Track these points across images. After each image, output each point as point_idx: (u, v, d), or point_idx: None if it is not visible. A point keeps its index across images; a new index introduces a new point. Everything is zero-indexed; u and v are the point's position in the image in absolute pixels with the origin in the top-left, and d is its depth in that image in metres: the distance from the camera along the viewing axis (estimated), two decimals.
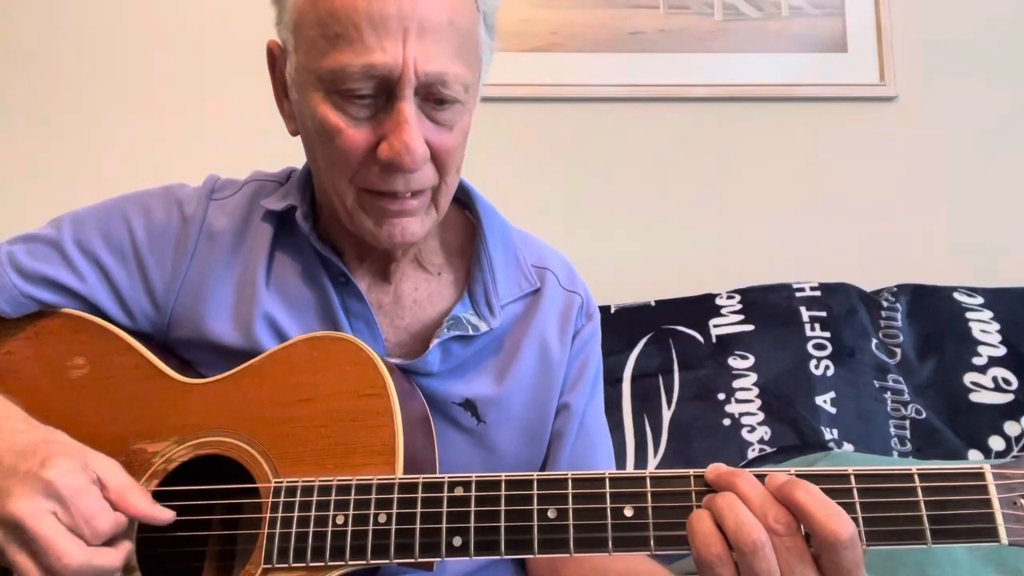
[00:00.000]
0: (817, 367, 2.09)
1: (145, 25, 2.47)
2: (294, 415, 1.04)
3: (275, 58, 1.15)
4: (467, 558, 0.93)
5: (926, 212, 2.47)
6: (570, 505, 0.92)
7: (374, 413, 1.02)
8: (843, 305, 2.19)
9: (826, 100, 2.51)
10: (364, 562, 0.94)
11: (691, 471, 0.91)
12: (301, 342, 1.10)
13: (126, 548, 0.98)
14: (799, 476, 0.88)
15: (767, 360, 2.10)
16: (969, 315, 2.16)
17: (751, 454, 1.98)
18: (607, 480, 0.92)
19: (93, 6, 2.47)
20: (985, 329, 2.14)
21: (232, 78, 2.35)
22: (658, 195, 2.48)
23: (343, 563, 0.94)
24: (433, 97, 1.03)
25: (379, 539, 0.94)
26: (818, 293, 2.20)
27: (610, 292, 2.16)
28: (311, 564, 0.95)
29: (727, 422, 2.03)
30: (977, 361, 2.10)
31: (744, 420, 2.03)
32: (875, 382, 2.09)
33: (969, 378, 2.08)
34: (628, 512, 0.90)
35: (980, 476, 0.87)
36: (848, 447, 1.98)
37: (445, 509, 0.94)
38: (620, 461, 1.98)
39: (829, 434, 1.99)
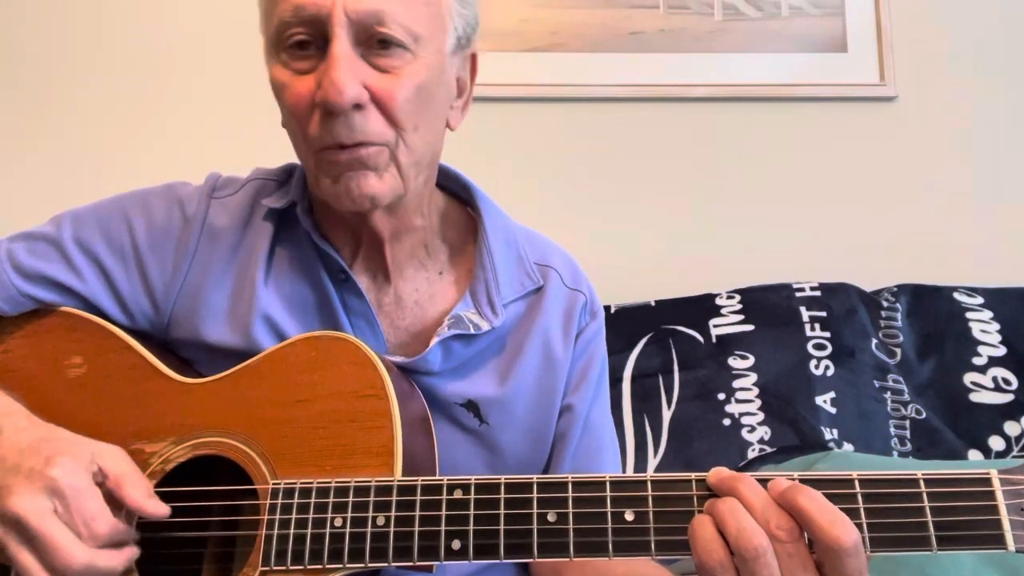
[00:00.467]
0: (817, 367, 2.09)
1: (146, 22, 2.47)
2: (292, 416, 1.04)
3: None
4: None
5: (926, 212, 2.47)
6: (570, 509, 0.91)
7: (373, 414, 1.01)
8: (843, 305, 2.18)
9: (826, 100, 2.51)
10: (362, 565, 0.93)
11: (692, 475, 0.90)
12: (300, 342, 1.09)
13: (130, 552, 0.97)
14: (803, 481, 0.87)
15: (767, 360, 2.10)
16: (969, 315, 2.16)
17: (751, 454, 1.98)
18: (607, 484, 0.91)
19: (94, 5, 2.47)
20: (985, 329, 2.13)
21: (235, 75, 2.34)
22: (658, 195, 2.47)
23: (341, 565, 0.94)
24: (373, 39, 1.03)
25: (377, 542, 0.93)
26: (818, 293, 2.20)
27: (610, 292, 2.15)
28: (309, 566, 0.94)
29: (727, 422, 2.02)
30: (977, 361, 2.09)
31: (744, 420, 2.02)
32: (875, 382, 2.09)
33: (969, 378, 2.08)
34: (629, 516, 0.90)
35: (987, 482, 0.86)
36: (848, 447, 1.98)
37: (444, 512, 0.93)
38: (622, 467, 1.98)
39: (829, 434, 1.99)
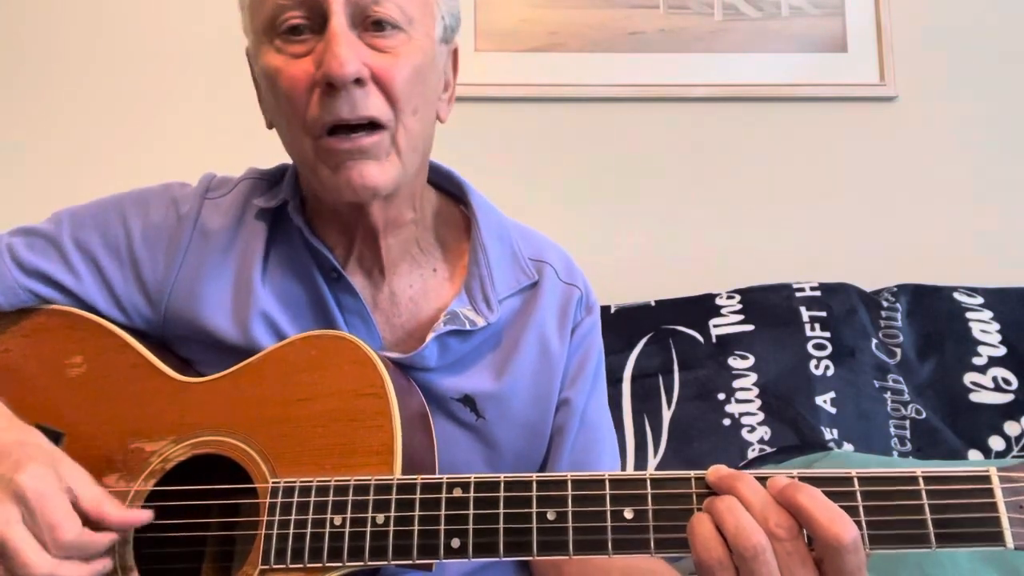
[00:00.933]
0: (817, 367, 2.09)
1: (145, 21, 2.47)
2: (292, 415, 1.04)
3: (249, 58, 1.16)
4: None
5: (926, 212, 2.47)
6: (569, 507, 0.91)
7: (373, 413, 1.01)
8: (843, 305, 2.18)
9: (826, 100, 2.51)
10: (362, 563, 0.93)
11: (692, 473, 0.90)
12: (299, 340, 1.09)
13: (100, 564, 0.96)
14: (802, 479, 0.87)
15: (767, 360, 2.10)
16: (969, 315, 2.16)
17: (751, 454, 1.98)
18: (607, 482, 0.91)
19: (91, 5, 2.47)
20: (985, 329, 2.13)
21: (234, 75, 2.34)
22: (658, 195, 2.47)
23: (341, 564, 0.94)
24: (370, 19, 1.04)
25: (377, 540, 0.93)
26: (818, 293, 2.20)
27: (610, 292, 2.16)
28: (308, 565, 0.94)
29: (727, 422, 2.02)
30: (977, 361, 2.09)
31: (744, 420, 2.02)
32: (875, 382, 2.09)
33: (969, 378, 2.08)
34: (628, 514, 0.90)
35: (986, 479, 0.86)
36: (848, 447, 1.98)
37: (443, 511, 0.93)
38: (620, 461, 1.98)
39: (829, 434, 1.99)
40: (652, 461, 2.00)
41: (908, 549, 0.86)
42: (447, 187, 1.30)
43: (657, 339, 2.15)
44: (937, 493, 0.86)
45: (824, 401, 2.04)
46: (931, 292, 2.22)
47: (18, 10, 2.46)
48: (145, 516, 1.00)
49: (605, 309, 2.16)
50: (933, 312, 2.19)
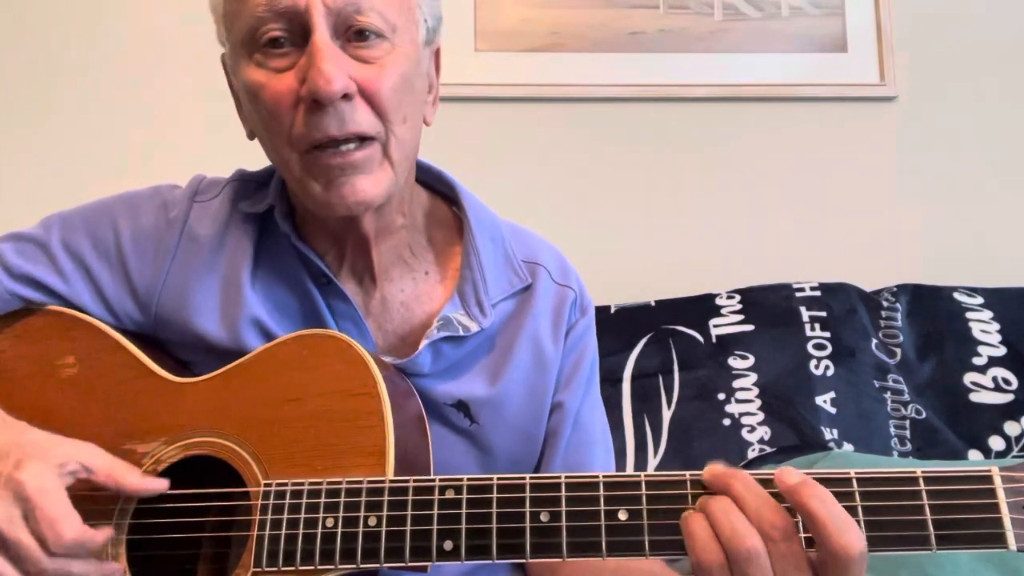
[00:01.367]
0: (817, 367, 2.08)
1: (139, 22, 2.47)
2: (283, 415, 1.03)
3: (226, 66, 1.15)
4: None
5: (926, 212, 2.46)
6: (563, 508, 0.90)
7: (365, 413, 1.00)
8: (843, 305, 2.18)
9: (826, 100, 2.50)
10: (354, 565, 0.93)
11: (687, 474, 0.90)
12: (291, 340, 1.08)
13: (113, 567, 0.97)
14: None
15: (767, 360, 2.10)
16: (969, 315, 2.16)
17: (751, 454, 1.97)
18: (601, 483, 0.91)
19: (87, 7, 2.47)
20: (985, 329, 2.13)
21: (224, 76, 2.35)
22: (658, 195, 2.47)
23: (332, 566, 0.93)
24: (353, 30, 1.02)
25: (369, 542, 0.93)
26: (818, 293, 2.20)
27: (610, 292, 2.16)
28: (301, 567, 0.94)
29: (727, 422, 2.02)
30: (977, 361, 2.09)
31: (744, 420, 2.02)
32: (875, 382, 2.09)
33: (969, 378, 2.08)
34: (622, 515, 0.89)
35: (988, 480, 0.86)
36: (848, 447, 1.98)
37: (436, 512, 0.92)
38: (620, 461, 1.98)
39: (829, 434, 1.98)
40: (652, 461, 2.00)
41: (907, 551, 0.85)
42: (437, 187, 1.28)
43: (657, 339, 2.14)
44: (938, 494, 0.85)
45: (824, 401, 2.04)
46: (931, 292, 2.22)
47: (16, 10, 2.45)
48: (162, 484, 1.00)
49: (605, 309, 2.16)
50: (933, 312, 2.18)
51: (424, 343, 1.13)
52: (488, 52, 2.47)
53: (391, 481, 0.95)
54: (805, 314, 2.16)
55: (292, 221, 1.18)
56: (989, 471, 0.86)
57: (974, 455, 2.00)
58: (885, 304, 2.21)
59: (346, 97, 1.01)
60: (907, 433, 2.03)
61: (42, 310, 1.18)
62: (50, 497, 0.93)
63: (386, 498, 0.94)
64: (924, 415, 2.04)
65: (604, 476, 0.91)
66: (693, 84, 2.50)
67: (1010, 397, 2.03)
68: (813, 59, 2.51)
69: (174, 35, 2.45)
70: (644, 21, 2.51)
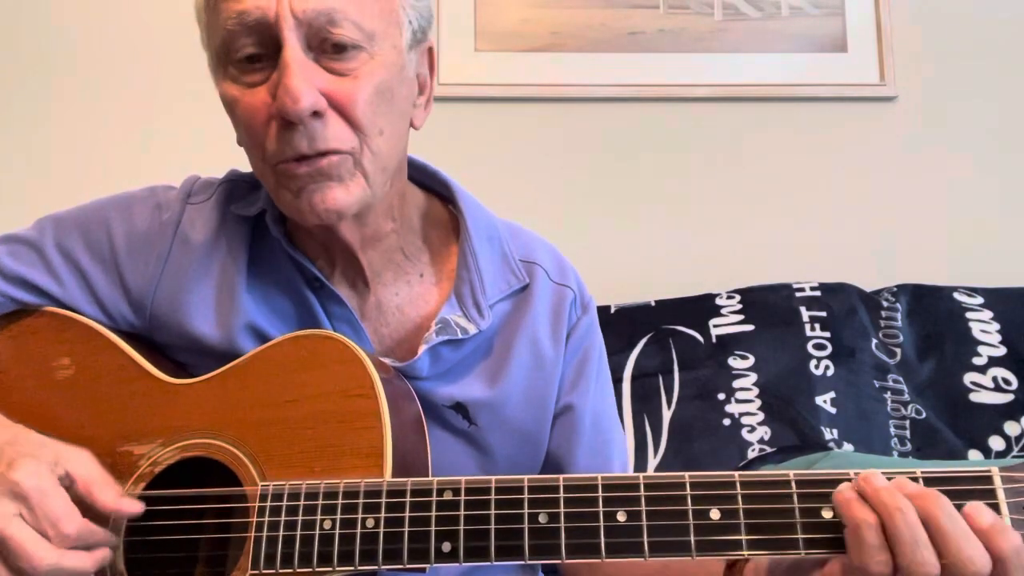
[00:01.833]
0: (817, 367, 2.08)
1: (135, 21, 2.47)
2: (280, 416, 1.03)
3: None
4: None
5: (926, 212, 2.46)
6: (561, 509, 0.90)
7: (362, 414, 1.00)
8: (843, 305, 2.18)
9: (826, 100, 2.50)
10: (352, 567, 0.93)
11: (686, 475, 0.90)
12: (287, 341, 1.08)
13: (102, 553, 0.96)
14: (799, 480, 0.88)
15: (767, 360, 2.10)
16: (969, 315, 2.15)
17: (751, 454, 1.97)
18: (599, 484, 0.91)
19: (83, 7, 2.47)
20: (985, 329, 2.13)
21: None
22: (658, 195, 2.47)
23: (330, 568, 0.93)
24: (328, 44, 0.99)
25: (367, 544, 0.92)
26: (818, 293, 2.20)
27: (610, 292, 2.16)
28: (298, 570, 0.93)
29: (727, 422, 2.02)
30: (977, 361, 2.09)
31: (744, 420, 2.02)
32: (875, 382, 2.08)
33: (969, 378, 2.07)
34: (621, 517, 0.89)
35: (988, 480, 0.86)
36: (848, 447, 1.98)
37: (434, 513, 0.92)
38: (628, 457, 1.98)
39: (829, 434, 1.98)
40: (652, 461, 2.00)
41: None
42: (433, 186, 1.27)
43: (657, 339, 2.14)
44: None
45: (824, 401, 2.04)
46: (931, 292, 2.22)
47: (11, 10, 2.45)
48: (136, 508, 0.99)
49: (605, 309, 2.16)
50: (933, 312, 2.18)
51: (423, 348, 1.12)
52: (488, 52, 2.47)
53: (389, 482, 0.95)
54: (805, 314, 2.16)
55: (284, 225, 1.18)
56: (989, 471, 0.86)
57: (974, 455, 2.00)
58: (885, 304, 2.21)
59: (316, 114, 0.99)
60: (907, 433, 2.03)
61: (37, 311, 1.17)
62: (48, 494, 0.93)
63: (384, 500, 0.94)
64: (924, 415, 2.04)
65: (603, 477, 0.91)
66: (693, 84, 2.49)
67: (1010, 397, 2.03)
68: (813, 59, 2.51)
69: (169, 35, 2.44)
70: (644, 21, 2.51)
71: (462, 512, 0.92)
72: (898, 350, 2.14)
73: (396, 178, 1.15)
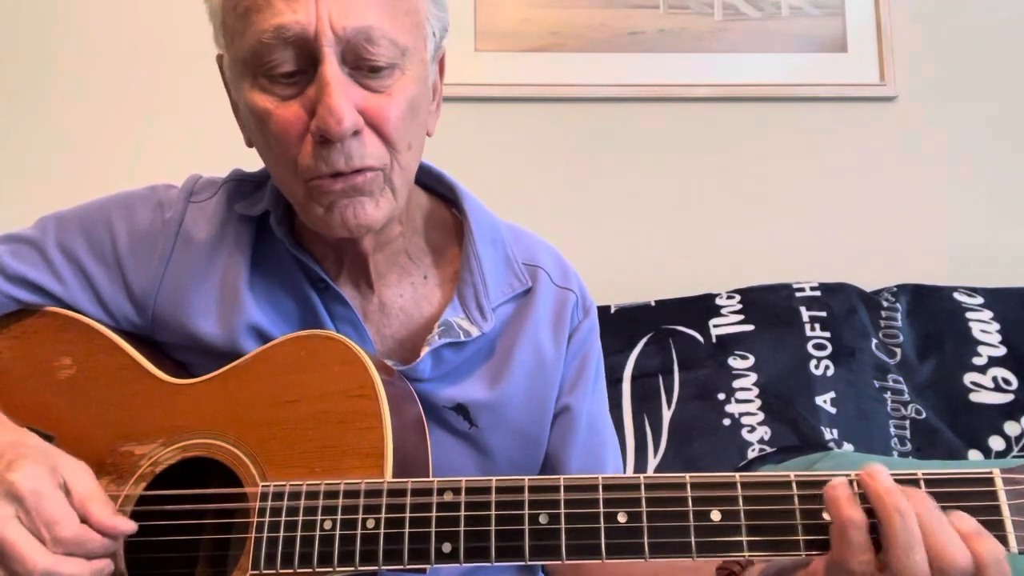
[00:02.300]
0: (817, 367, 2.08)
1: (133, 22, 2.47)
2: (281, 417, 1.03)
3: (223, 70, 1.12)
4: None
5: (926, 212, 2.46)
6: (562, 510, 0.90)
7: (363, 415, 1.00)
8: (843, 305, 2.18)
9: (826, 100, 2.50)
10: (352, 568, 0.93)
11: (687, 476, 0.90)
12: (288, 341, 1.08)
13: (100, 564, 0.95)
14: (800, 481, 0.88)
15: (767, 360, 2.10)
16: (969, 315, 2.15)
17: (751, 454, 1.97)
18: (600, 485, 0.91)
19: (84, 7, 2.47)
20: (985, 329, 2.13)
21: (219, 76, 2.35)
22: (658, 195, 2.47)
23: (331, 569, 0.93)
24: (365, 63, 0.99)
25: (367, 544, 0.92)
26: (818, 293, 2.20)
27: (610, 292, 2.16)
28: (299, 570, 0.93)
29: (727, 422, 2.02)
30: (977, 361, 2.09)
31: (744, 420, 2.02)
32: (875, 382, 2.08)
33: (969, 378, 2.07)
34: (622, 518, 0.89)
35: (989, 481, 0.86)
36: (848, 447, 1.98)
37: (434, 514, 0.92)
38: (622, 462, 1.98)
39: (829, 434, 1.98)
40: (652, 461, 2.00)
41: None
42: (437, 188, 1.28)
43: (657, 339, 2.14)
44: (939, 496, 0.85)
45: (824, 401, 2.04)
46: (931, 292, 2.22)
47: (12, 9, 2.45)
48: (129, 527, 0.98)
49: (605, 309, 2.16)
50: (933, 312, 2.18)
51: (426, 350, 1.12)
52: (488, 52, 2.47)
53: (389, 483, 0.95)
54: (805, 314, 2.16)
55: (288, 225, 1.18)
56: (990, 472, 0.86)
57: (974, 455, 2.00)
58: (885, 304, 2.21)
59: (355, 133, 0.99)
60: (907, 433, 2.03)
61: (39, 311, 1.17)
62: (45, 497, 0.92)
63: (384, 500, 0.93)
64: (924, 415, 2.04)
65: (603, 478, 0.91)
66: (693, 84, 2.49)
67: (1010, 397, 2.03)
68: (813, 59, 2.51)
69: (170, 34, 2.45)
70: (644, 21, 2.51)
71: (462, 513, 0.92)
72: (898, 350, 2.14)
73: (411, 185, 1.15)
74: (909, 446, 2.01)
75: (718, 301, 2.21)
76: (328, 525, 0.94)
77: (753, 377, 2.07)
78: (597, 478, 0.91)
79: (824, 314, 2.15)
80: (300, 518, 0.95)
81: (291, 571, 0.94)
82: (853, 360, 2.09)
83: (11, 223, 1.23)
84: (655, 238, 2.45)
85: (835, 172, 2.48)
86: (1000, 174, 2.49)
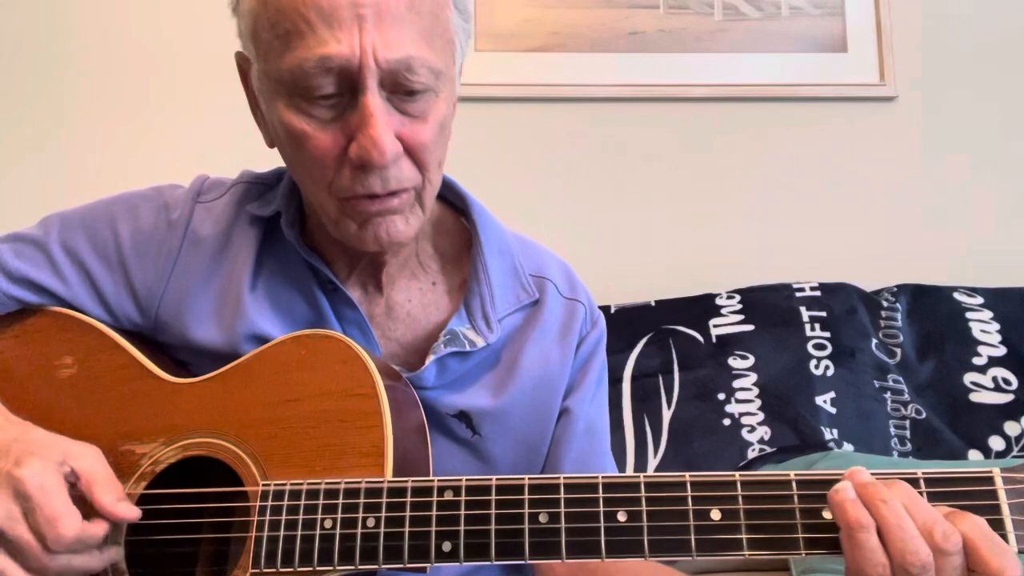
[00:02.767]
0: (817, 367, 2.08)
1: (138, 22, 2.47)
2: (281, 415, 1.03)
3: (244, 70, 1.11)
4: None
5: (926, 212, 2.46)
6: (562, 509, 0.90)
7: (363, 414, 1.00)
8: (843, 305, 2.18)
9: (826, 100, 2.51)
10: (352, 566, 0.93)
11: (687, 475, 0.90)
12: (289, 340, 1.08)
13: (109, 553, 0.97)
14: (800, 481, 0.88)
15: (767, 360, 2.10)
16: (969, 315, 2.16)
17: (751, 454, 1.97)
18: (600, 485, 0.91)
19: (86, 7, 2.48)
20: (985, 329, 2.13)
21: (228, 75, 2.35)
22: (658, 195, 2.47)
23: (331, 567, 0.93)
24: (402, 88, 0.98)
25: (367, 543, 0.92)
26: (818, 293, 2.20)
27: (610, 292, 2.16)
28: (299, 569, 0.93)
29: (727, 422, 2.02)
30: (977, 361, 2.09)
31: (744, 420, 2.02)
32: (875, 382, 2.09)
33: (969, 378, 2.08)
34: (622, 517, 0.89)
35: (990, 481, 0.86)
36: (848, 447, 1.98)
37: (435, 513, 0.92)
38: (620, 461, 1.98)
39: (829, 434, 1.98)
40: (652, 461, 2.00)
41: None
42: (447, 196, 1.27)
43: (657, 339, 2.15)
44: (939, 495, 0.85)
45: (824, 401, 2.04)
46: (931, 292, 2.22)
47: (17, 10, 2.45)
48: (132, 514, 0.99)
49: (605, 309, 2.15)
50: (933, 312, 2.19)
51: (431, 359, 1.12)
52: (488, 52, 2.47)
53: (389, 482, 0.95)
54: (805, 314, 2.16)
55: (300, 227, 1.18)
56: (990, 472, 0.86)
57: (974, 455, 2.00)
58: (885, 304, 2.22)
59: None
60: (907, 433, 2.03)
61: (40, 310, 1.17)
62: (50, 494, 0.93)
63: (384, 499, 0.93)
64: (924, 415, 2.04)
65: (603, 477, 0.91)
66: (693, 84, 2.50)
67: (1010, 397, 2.03)
68: (813, 59, 2.51)
69: (177, 36, 2.45)
70: (644, 21, 2.51)
71: (462, 512, 0.92)
72: (898, 350, 2.14)
73: None
74: (909, 446, 2.02)
75: (718, 301, 2.21)
76: (328, 524, 0.94)
77: (753, 377, 2.07)
78: (597, 477, 0.91)
79: (824, 314, 2.16)
80: (300, 517, 0.95)
81: (291, 570, 0.94)
82: (853, 360, 2.10)
83: (16, 222, 1.23)
84: (655, 238, 2.45)
85: (835, 172, 2.49)
86: (1000, 174, 2.49)
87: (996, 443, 2.00)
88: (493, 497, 0.92)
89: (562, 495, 0.91)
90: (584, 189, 2.46)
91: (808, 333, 2.13)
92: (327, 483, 0.96)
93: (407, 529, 0.92)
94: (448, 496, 0.93)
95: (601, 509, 0.90)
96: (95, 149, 2.41)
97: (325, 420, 1.01)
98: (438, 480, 0.94)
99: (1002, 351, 2.09)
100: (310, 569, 0.93)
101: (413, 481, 0.94)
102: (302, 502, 0.96)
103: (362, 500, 0.94)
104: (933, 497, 0.85)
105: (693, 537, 0.88)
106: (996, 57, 2.54)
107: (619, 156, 2.48)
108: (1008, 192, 2.48)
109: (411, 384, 1.13)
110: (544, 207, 2.40)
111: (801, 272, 2.29)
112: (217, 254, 1.17)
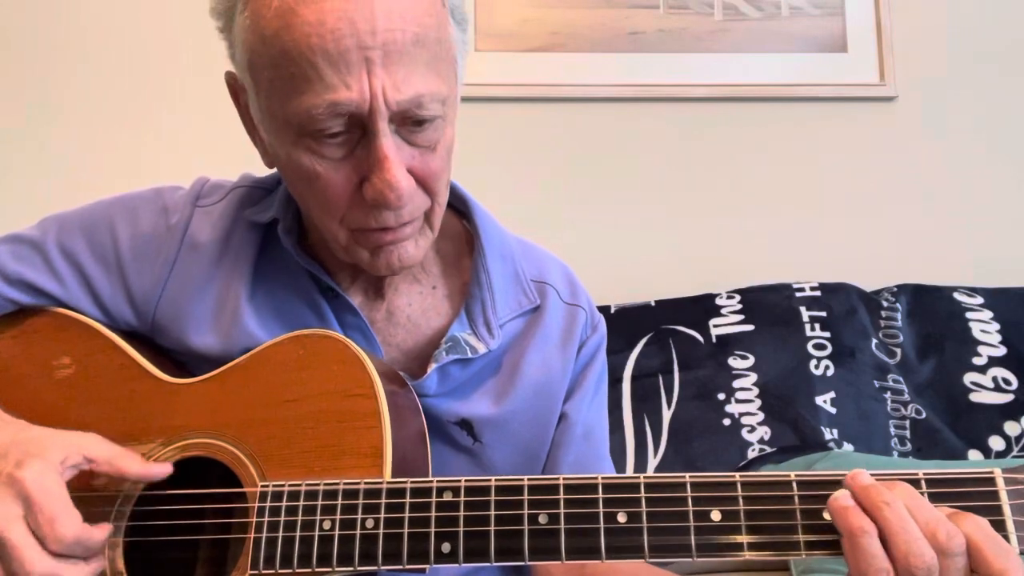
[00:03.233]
0: (817, 367, 2.08)
1: (137, 22, 2.47)
2: (280, 416, 1.02)
3: (236, 91, 1.09)
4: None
5: (926, 212, 2.46)
6: (562, 510, 0.90)
7: (362, 414, 1.00)
8: (843, 305, 2.18)
9: (826, 100, 2.50)
10: (351, 568, 0.92)
11: (687, 476, 0.90)
12: (287, 340, 1.07)
13: (98, 564, 0.95)
14: (800, 481, 0.87)
15: (767, 360, 2.10)
16: (969, 315, 2.16)
17: (751, 454, 1.97)
18: (600, 485, 0.90)
19: (86, 7, 2.47)
20: (985, 329, 2.13)
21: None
22: (658, 195, 2.47)
23: (330, 569, 0.92)
24: (410, 120, 0.97)
25: (366, 544, 0.92)
26: (818, 293, 2.20)
27: (610, 292, 2.16)
28: (298, 570, 0.93)
29: (727, 422, 2.02)
30: (977, 361, 2.09)
31: (744, 420, 2.02)
32: (875, 382, 2.08)
33: (969, 378, 2.08)
34: (621, 518, 0.89)
35: (991, 481, 0.85)
36: (848, 447, 1.98)
37: (434, 514, 0.92)
38: (620, 461, 1.98)
39: (829, 434, 1.98)
40: (652, 461, 2.00)
41: None
42: (449, 198, 1.26)
43: (657, 339, 2.15)
44: (940, 496, 0.85)
45: (824, 401, 2.04)
46: (931, 292, 2.22)
47: (16, 10, 2.45)
48: (164, 470, 1.00)
49: (605, 309, 2.16)
50: (933, 312, 2.18)
51: (433, 367, 1.12)
52: (488, 52, 2.47)
53: (388, 483, 0.95)
54: (805, 314, 2.16)
55: (297, 233, 1.17)
56: (991, 472, 0.85)
57: (974, 455, 2.00)
58: (885, 304, 2.21)
59: None
60: (907, 433, 2.03)
61: (39, 310, 1.17)
62: (51, 496, 0.92)
63: (383, 500, 0.93)
64: (924, 415, 2.04)
65: (603, 478, 0.91)
66: (693, 84, 2.49)
67: (1010, 397, 2.03)
68: (813, 59, 2.51)
69: (176, 35, 2.45)
70: (644, 21, 2.51)
71: (462, 513, 0.92)
72: (898, 350, 2.14)
73: None
74: (909, 446, 2.02)
75: (718, 301, 2.21)
76: (327, 525, 0.94)
77: (753, 377, 2.07)
78: (597, 478, 0.91)
79: (824, 314, 2.16)
80: (299, 518, 0.95)
81: (290, 571, 0.93)
82: (853, 360, 2.10)
83: (14, 223, 1.23)
84: (655, 238, 2.45)
85: (835, 172, 2.48)
86: (1000, 174, 2.49)
87: (996, 443, 2.00)
88: (492, 498, 0.92)
89: (561, 496, 0.91)
90: (584, 189, 2.46)
91: (808, 333, 2.13)
92: (326, 484, 0.96)
93: (406, 530, 0.92)
94: (447, 497, 0.92)
95: (601, 510, 0.89)
96: (95, 149, 2.41)
97: (323, 420, 1.01)
98: (437, 481, 0.93)
99: (1002, 351, 2.09)
100: (309, 570, 0.93)
101: (412, 482, 0.94)
102: (301, 503, 0.95)
103: (361, 501, 0.94)
104: (934, 498, 0.85)
105: (693, 538, 0.88)
106: (996, 57, 2.53)
107: (619, 156, 2.48)
108: (1008, 192, 2.48)
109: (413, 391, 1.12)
110: (544, 207, 2.40)
111: (801, 272, 2.29)
112: (215, 260, 1.16)
